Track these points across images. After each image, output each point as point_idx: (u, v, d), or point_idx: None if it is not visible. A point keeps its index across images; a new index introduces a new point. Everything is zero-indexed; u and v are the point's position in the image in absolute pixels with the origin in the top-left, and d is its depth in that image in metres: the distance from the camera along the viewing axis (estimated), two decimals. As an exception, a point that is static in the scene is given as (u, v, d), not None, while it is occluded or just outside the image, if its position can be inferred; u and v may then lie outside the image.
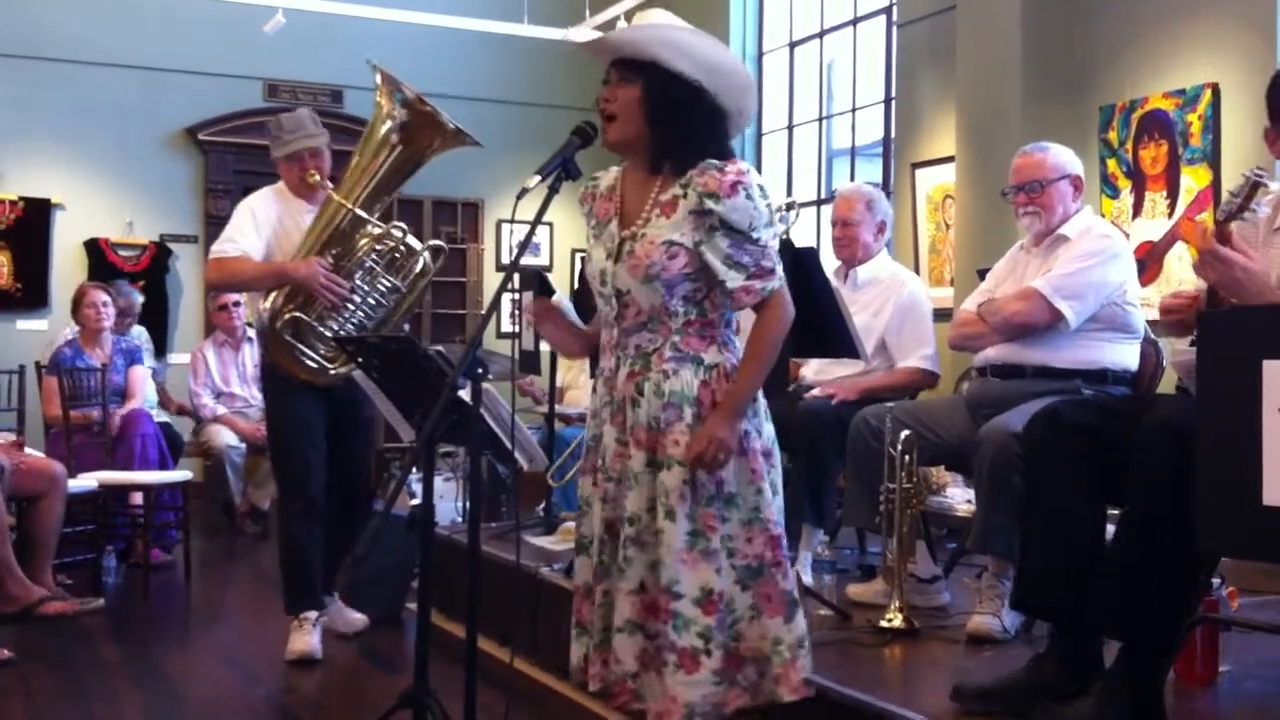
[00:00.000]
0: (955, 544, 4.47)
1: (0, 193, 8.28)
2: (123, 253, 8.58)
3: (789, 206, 4.24)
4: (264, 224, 4.41)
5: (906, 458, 3.56)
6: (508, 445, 3.05)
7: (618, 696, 2.62)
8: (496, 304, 2.82)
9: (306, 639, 4.39)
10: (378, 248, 4.42)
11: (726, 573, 2.56)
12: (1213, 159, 5.25)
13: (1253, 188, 2.55)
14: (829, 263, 4.35)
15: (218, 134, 8.76)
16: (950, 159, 6.38)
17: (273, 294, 4.37)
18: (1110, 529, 2.76)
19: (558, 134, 2.83)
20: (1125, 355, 3.59)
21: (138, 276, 8.36)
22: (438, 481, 3.06)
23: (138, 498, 6.16)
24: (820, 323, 3.77)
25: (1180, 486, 2.28)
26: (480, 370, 2.69)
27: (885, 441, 3.61)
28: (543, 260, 9.53)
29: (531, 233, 2.66)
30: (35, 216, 8.35)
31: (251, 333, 7.28)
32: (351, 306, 4.38)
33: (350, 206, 4.35)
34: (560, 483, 4.94)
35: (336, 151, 4.66)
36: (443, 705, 2.77)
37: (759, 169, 8.42)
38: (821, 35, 8.34)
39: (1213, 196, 5.21)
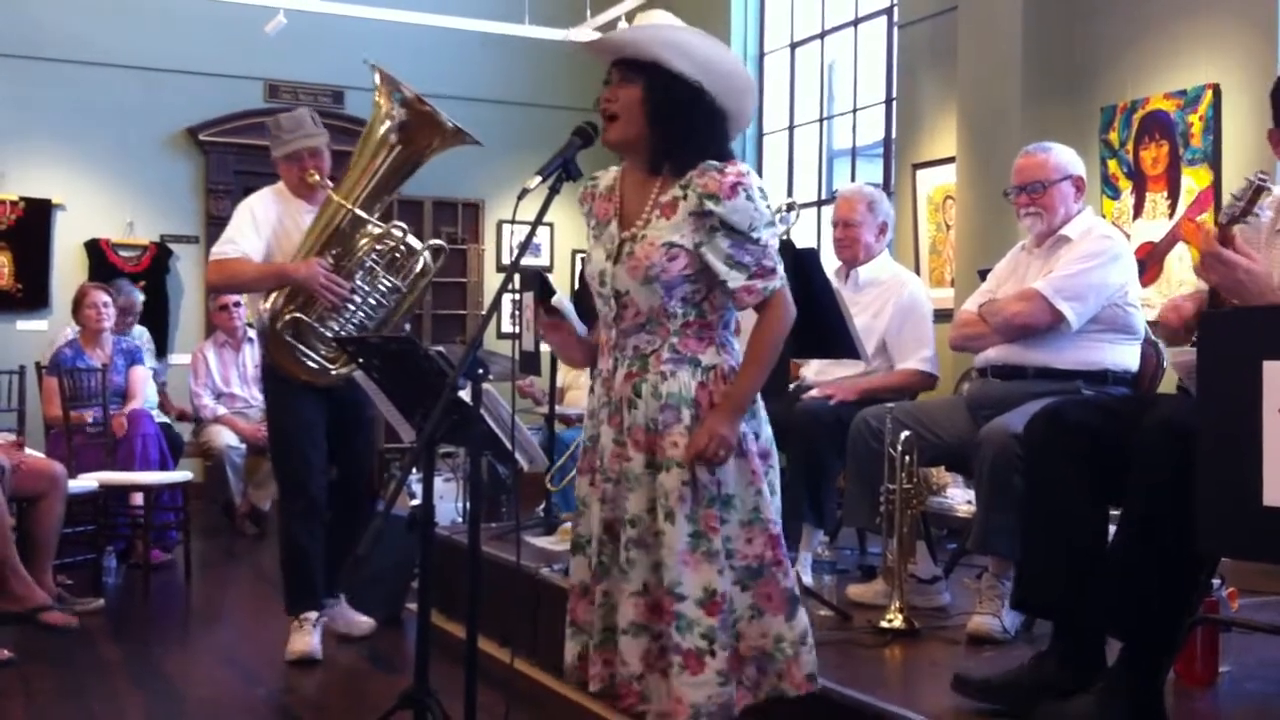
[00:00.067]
0: (955, 544, 4.47)
1: (1, 193, 8.28)
2: (123, 253, 8.58)
3: (789, 207, 4.24)
4: (264, 225, 4.40)
5: (907, 458, 3.56)
6: (508, 446, 3.05)
7: (624, 698, 2.62)
8: (497, 305, 2.82)
9: (307, 639, 4.39)
10: (378, 248, 4.42)
11: (727, 573, 2.56)
12: (1214, 160, 5.25)
13: (1255, 191, 2.55)
14: (829, 263, 4.35)
15: (218, 134, 8.76)
16: (951, 160, 6.38)
17: (273, 295, 4.37)
18: (1111, 529, 2.76)
19: (558, 134, 2.83)
20: (1126, 356, 3.59)
21: (138, 277, 8.36)
22: (438, 482, 3.06)
23: (138, 498, 6.16)
24: (821, 323, 3.77)
25: (1181, 487, 2.28)
26: (481, 371, 2.69)
27: (885, 442, 3.61)
28: (543, 261, 9.53)
29: (532, 233, 2.66)
30: (36, 217, 8.35)
31: (252, 333, 7.28)
32: (352, 307, 4.38)
33: (350, 206, 4.35)
34: (558, 486, 4.94)
35: (337, 152, 4.66)
36: (443, 706, 2.76)
37: (760, 169, 8.43)
38: (822, 36, 8.34)
39: (1213, 197, 5.20)
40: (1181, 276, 5.26)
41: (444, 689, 2.80)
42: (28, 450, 5.46)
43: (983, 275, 4.11)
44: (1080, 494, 2.77)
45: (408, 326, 5.70)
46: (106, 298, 6.60)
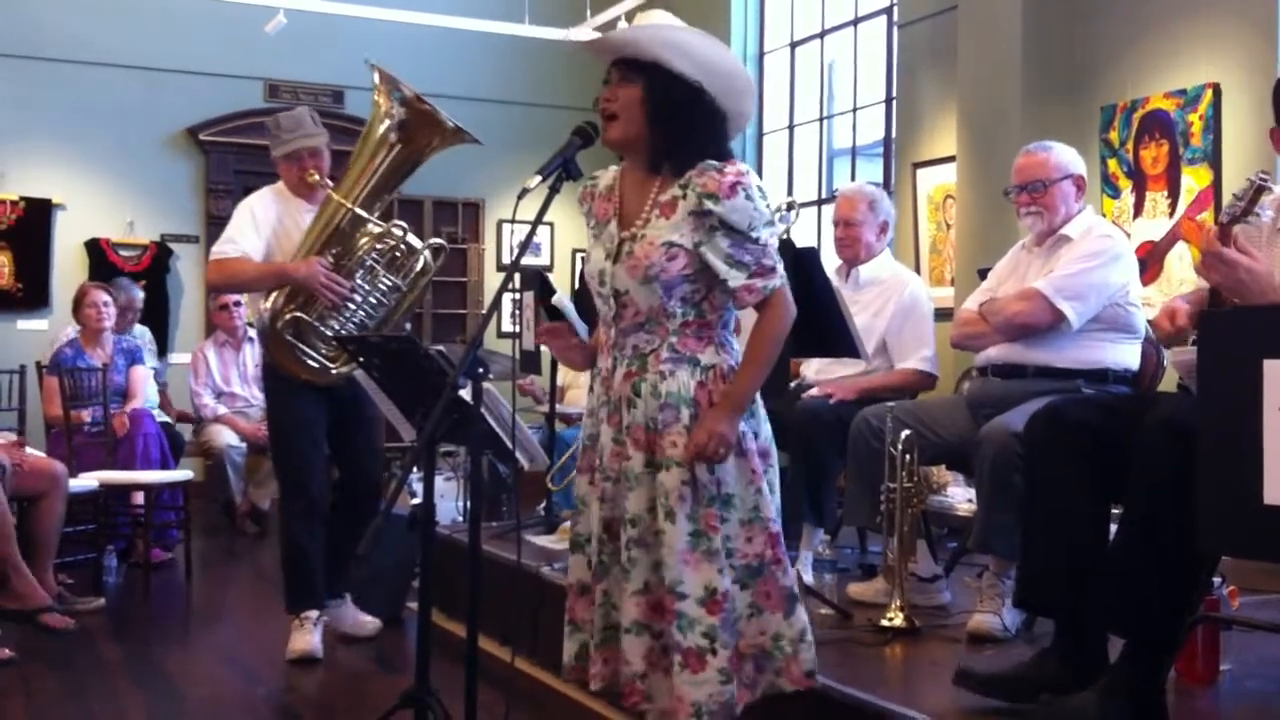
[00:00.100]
0: (956, 543, 4.48)
1: (1, 193, 8.28)
2: (123, 253, 8.58)
3: (789, 206, 4.24)
4: (264, 224, 4.40)
5: (907, 457, 3.56)
6: (508, 445, 3.05)
7: (628, 697, 2.62)
8: (497, 304, 2.82)
9: (307, 638, 4.39)
10: (378, 246, 4.41)
11: (727, 572, 2.56)
12: (1214, 159, 5.25)
13: (1256, 191, 2.55)
14: (830, 262, 4.35)
15: (219, 134, 8.77)
16: (951, 159, 6.38)
17: (273, 294, 4.37)
18: (1112, 528, 2.76)
19: (558, 134, 2.83)
20: (1126, 355, 3.59)
21: (139, 276, 8.36)
22: (438, 481, 3.06)
23: (139, 497, 6.16)
24: (821, 322, 3.77)
25: (1181, 485, 2.28)
26: (481, 370, 2.69)
27: (886, 441, 3.61)
28: (543, 260, 9.53)
29: (532, 233, 2.66)
30: (36, 216, 8.36)
31: (252, 332, 7.28)
32: (352, 306, 4.37)
33: (350, 206, 4.35)
34: (559, 486, 4.94)
35: (337, 151, 4.65)
36: (444, 705, 2.77)
37: (760, 169, 8.44)
38: (822, 35, 8.34)
39: (1213, 196, 5.20)
40: (1182, 275, 5.26)
41: (445, 688, 2.80)
42: (29, 450, 5.46)
43: (983, 274, 4.10)
44: (1081, 493, 2.77)
45: (408, 325, 5.69)
46: (107, 297, 6.60)
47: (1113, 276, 3.51)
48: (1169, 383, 3.55)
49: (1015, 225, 3.89)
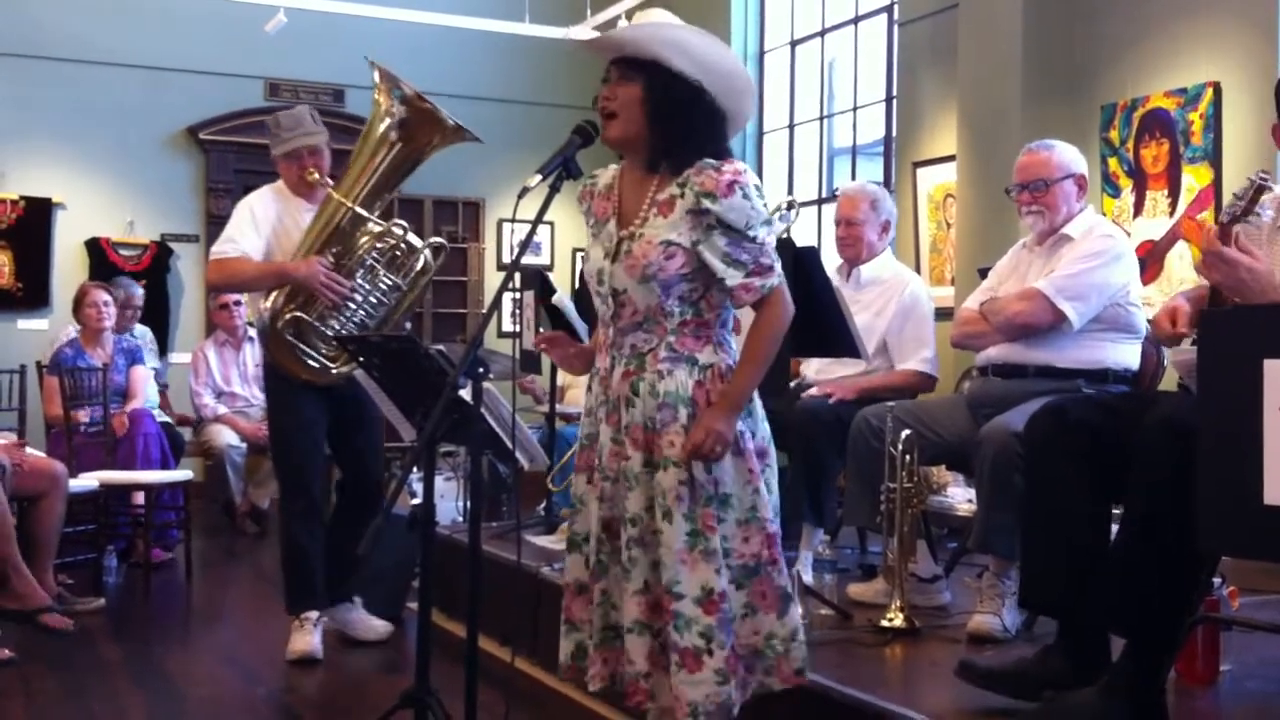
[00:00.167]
0: (956, 543, 4.47)
1: (1, 192, 8.28)
2: (124, 252, 8.58)
3: (789, 205, 4.23)
4: (264, 223, 4.40)
5: (907, 457, 3.55)
6: (509, 444, 3.05)
7: (631, 696, 2.62)
8: (498, 303, 2.82)
9: (307, 639, 4.39)
10: (378, 246, 4.41)
11: (724, 572, 2.55)
12: (1214, 158, 5.24)
13: (1256, 191, 2.55)
14: (830, 261, 4.35)
15: (219, 133, 8.76)
16: (951, 158, 6.37)
17: (273, 294, 4.37)
18: (1113, 527, 2.76)
19: (559, 133, 2.83)
20: (1127, 355, 3.59)
21: (139, 276, 8.35)
22: (438, 481, 3.05)
23: (139, 497, 6.16)
24: (821, 322, 3.77)
25: (1181, 485, 2.28)
26: (481, 369, 2.69)
27: (886, 441, 3.60)
28: (544, 259, 9.53)
29: (532, 232, 2.66)
30: (36, 216, 8.35)
31: (252, 332, 7.28)
32: (353, 305, 4.37)
33: (350, 205, 4.34)
34: (560, 487, 4.94)
35: (337, 150, 4.65)
36: (444, 705, 2.77)
37: (760, 168, 8.44)
38: (823, 34, 8.33)
39: (1214, 195, 5.20)
40: (1182, 275, 5.25)
41: (445, 688, 2.80)
42: (29, 450, 5.46)
43: (983, 273, 4.10)
44: (1081, 492, 2.76)
45: (408, 325, 5.69)
46: (107, 297, 6.60)
47: (1114, 276, 3.51)
48: (1169, 382, 3.55)
49: (1016, 224, 3.89)
